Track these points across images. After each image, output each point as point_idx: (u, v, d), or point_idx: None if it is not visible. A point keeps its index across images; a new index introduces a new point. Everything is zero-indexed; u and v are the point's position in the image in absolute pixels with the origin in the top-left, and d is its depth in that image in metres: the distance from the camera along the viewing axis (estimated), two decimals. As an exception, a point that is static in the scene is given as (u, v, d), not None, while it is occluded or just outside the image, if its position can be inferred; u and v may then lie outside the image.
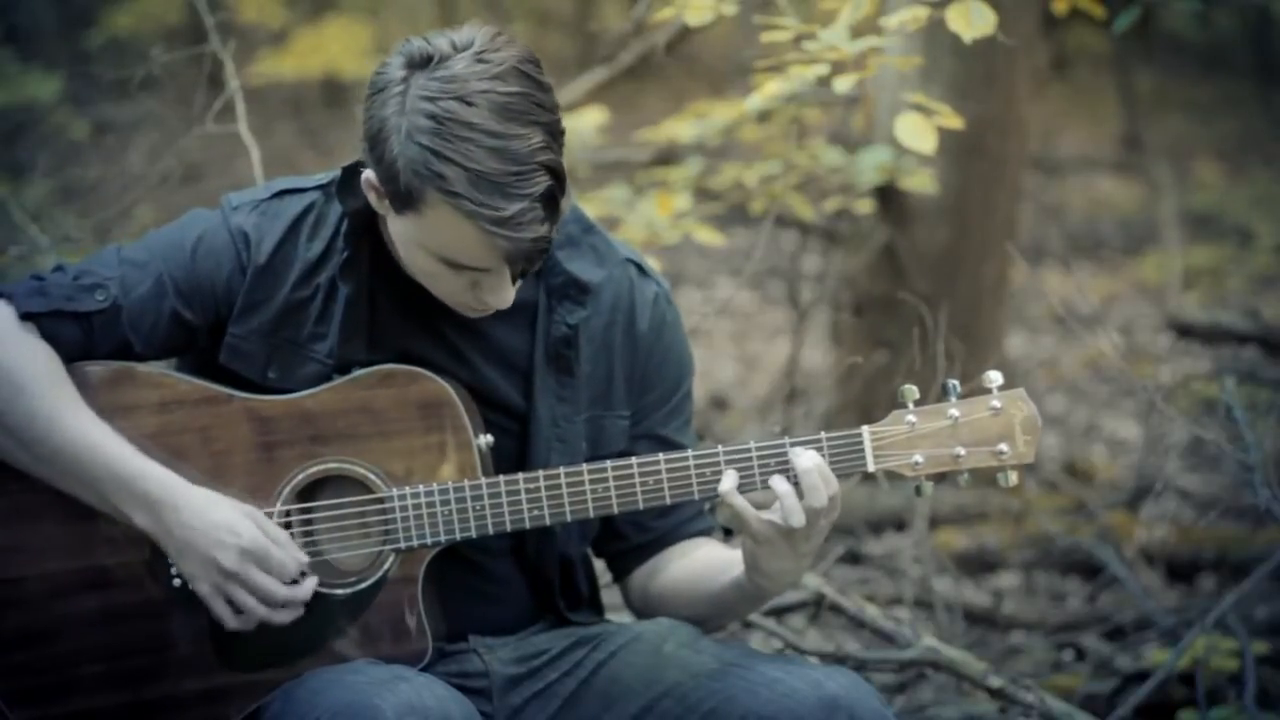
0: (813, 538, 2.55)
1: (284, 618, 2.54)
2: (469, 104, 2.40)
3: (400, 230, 2.53)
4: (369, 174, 2.51)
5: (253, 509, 2.56)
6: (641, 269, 2.78)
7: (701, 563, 2.76)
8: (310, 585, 2.55)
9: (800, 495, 2.52)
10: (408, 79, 2.44)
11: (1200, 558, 5.11)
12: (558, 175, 2.44)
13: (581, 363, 2.71)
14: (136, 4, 10.95)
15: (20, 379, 2.53)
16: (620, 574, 2.84)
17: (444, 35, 2.47)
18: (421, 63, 2.44)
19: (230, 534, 2.51)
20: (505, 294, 2.54)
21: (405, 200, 2.46)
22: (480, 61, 2.43)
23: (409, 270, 2.59)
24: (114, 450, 2.53)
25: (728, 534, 2.86)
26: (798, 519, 2.51)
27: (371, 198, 2.54)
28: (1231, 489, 5.32)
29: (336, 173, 2.63)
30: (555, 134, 2.45)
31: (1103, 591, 4.98)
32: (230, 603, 2.54)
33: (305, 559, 2.56)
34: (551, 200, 2.44)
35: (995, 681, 3.42)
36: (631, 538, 2.80)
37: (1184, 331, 6.63)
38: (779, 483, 2.53)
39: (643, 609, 2.82)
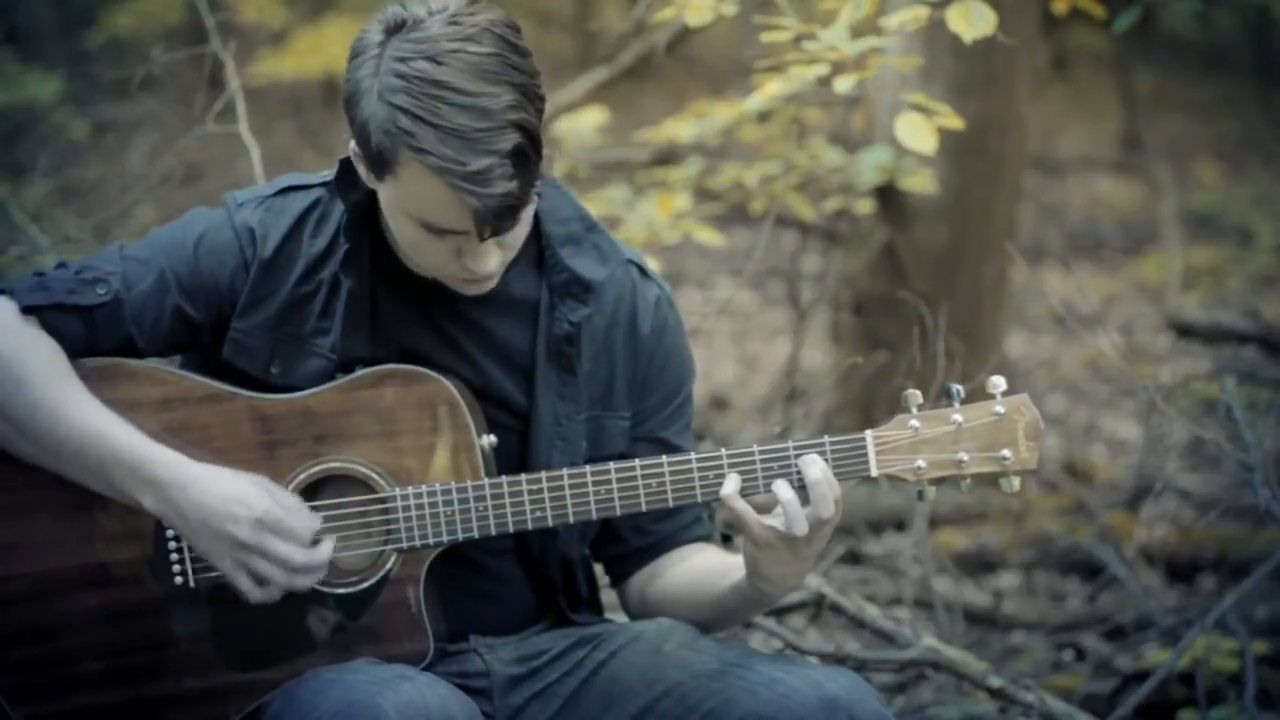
0: (814, 543, 2.54)
1: (305, 582, 2.54)
2: (439, 63, 2.41)
3: (384, 199, 2.53)
4: (353, 143, 2.51)
5: (260, 477, 2.55)
6: (644, 271, 2.78)
7: (701, 567, 2.75)
8: (328, 547, 2.54)
9: (806, 502, 2.52)
10: (384, 43, 2.46)
11: (1200, 558, 5.12)
12: (530, 134, 2.43)
13: (583, 361, 2.71)
14: (136, 4, 10.95)
15: (22, 370, 2.52)
16: (618, 578, 2.84)
17: (423, 2, 2.49)
18: (397, 27, 2.46)
19: (242, 506, 2.51)
20: (486, 261, 2.52)
21: (379, 162, 2.46)
22: (453, 24, 2.44)
23: (399, 246, 2.59)
24: (119, 436, 2.53)
25: (727, 540, 2.85)
26: (801, 528, 2.51)
27: (360, 170, 2.54)
28: (1231, 489, 5.32)
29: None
30: (530, 95, 2.44)
31: (1103, 591, 4.97)
32: (252, 575, 2.53)
33: (319, 522, 2.55)
34: (522, 157, 2.43)
35: (995, 681, 3.42)
36: (631, 541, 2.79)
37: (1184, 331, 6.63)
38: (782, 488, 2.53)
39: (641, 614, 2.80)
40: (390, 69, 2.43)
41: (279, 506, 2.52)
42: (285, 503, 2.54)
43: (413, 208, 2.48)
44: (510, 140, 2.41)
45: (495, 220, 2.45)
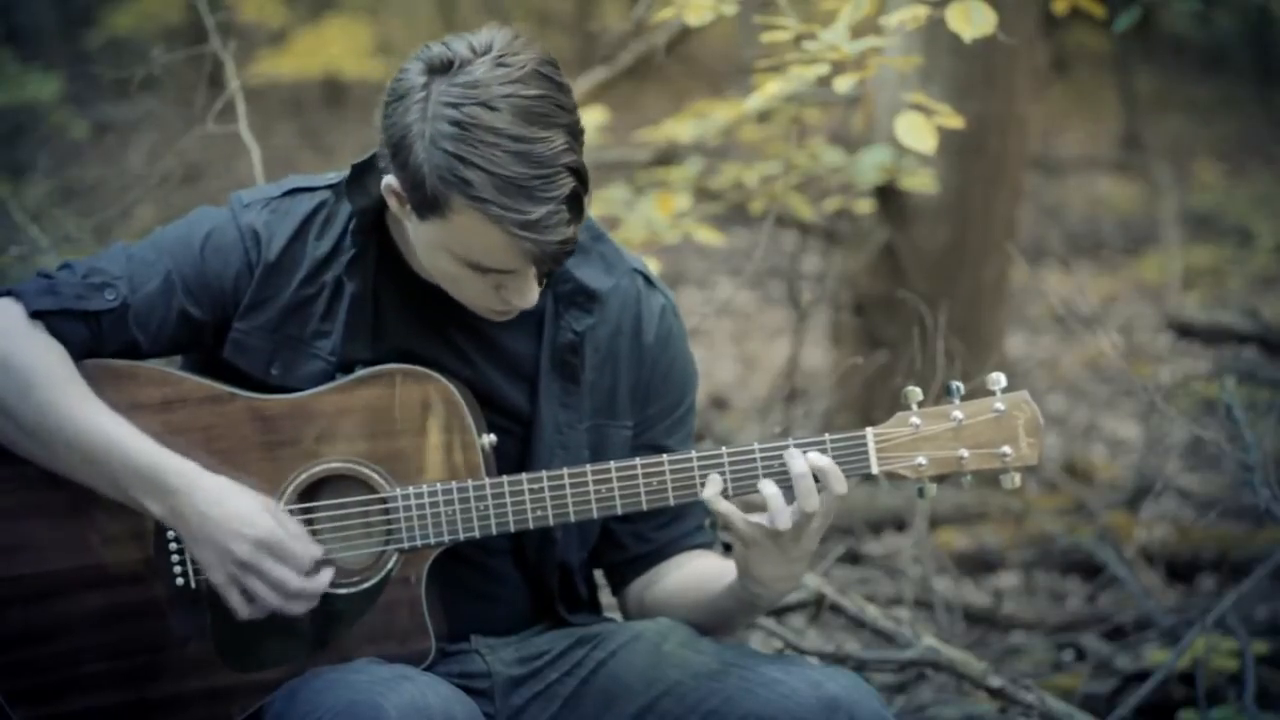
0: (803, 541, 2.54)
1: (298, 608, 2.54)
2: (492, 109, 2.41)
3: (424, 235, 2.52)
4: (391, 180, 2.50)
5: (269, 501, 2.55)
6: (649, 280, 2.78)
7: (699, 572, 2.75)
8: (326, 577, 2.55)
9: (790, 498, 2.52)
10: (429, 85, 2.44)
11: (1200, 558, 5.12)
12: (581, 176, 2.45)
13: (586, 370, 2.71)
14: (136, 4, 10.96)
15: (31, 374, 2.53)
16: (618, 585, 2.84)
17: (462, 39, 2.47)
18: (442, 68, 2.45)
19: (246, 524, 2.51)
20: (530, 295, 2.54)
21: (431, 205, 2.46)
22: (501, 65, 2.43)
23: (431, 275, 2.58)
24: (129, 440, 2.53)
25: (727, 549, 2.86)
26: (784, 521, 2.51)
27: (393, 203, 2.54)
28: (1231, 489, 5.32)
29: (348, 172, 2.63)
30: (576, 135, 2.46)
31: (1103, 591, 4.98)
32: (244, 592, 2.53)
33: (320, 552, 2.55)
34: (576, 201, 2.45)
35: (995, 681, 3.42)
36: (631, 548, 2.79)
37: (1184, 331, 6.63)
38: (766, 485, 2.53)
39: (639, 619, 2.80)
40: (441, 114, 2.42)
41: (282, 530, 2.52)
42: (290, 528, 2.54)
43: (460, 249, 2.48)
44: (566, 186, 2.43)
45: (552, 263, 2.48)
